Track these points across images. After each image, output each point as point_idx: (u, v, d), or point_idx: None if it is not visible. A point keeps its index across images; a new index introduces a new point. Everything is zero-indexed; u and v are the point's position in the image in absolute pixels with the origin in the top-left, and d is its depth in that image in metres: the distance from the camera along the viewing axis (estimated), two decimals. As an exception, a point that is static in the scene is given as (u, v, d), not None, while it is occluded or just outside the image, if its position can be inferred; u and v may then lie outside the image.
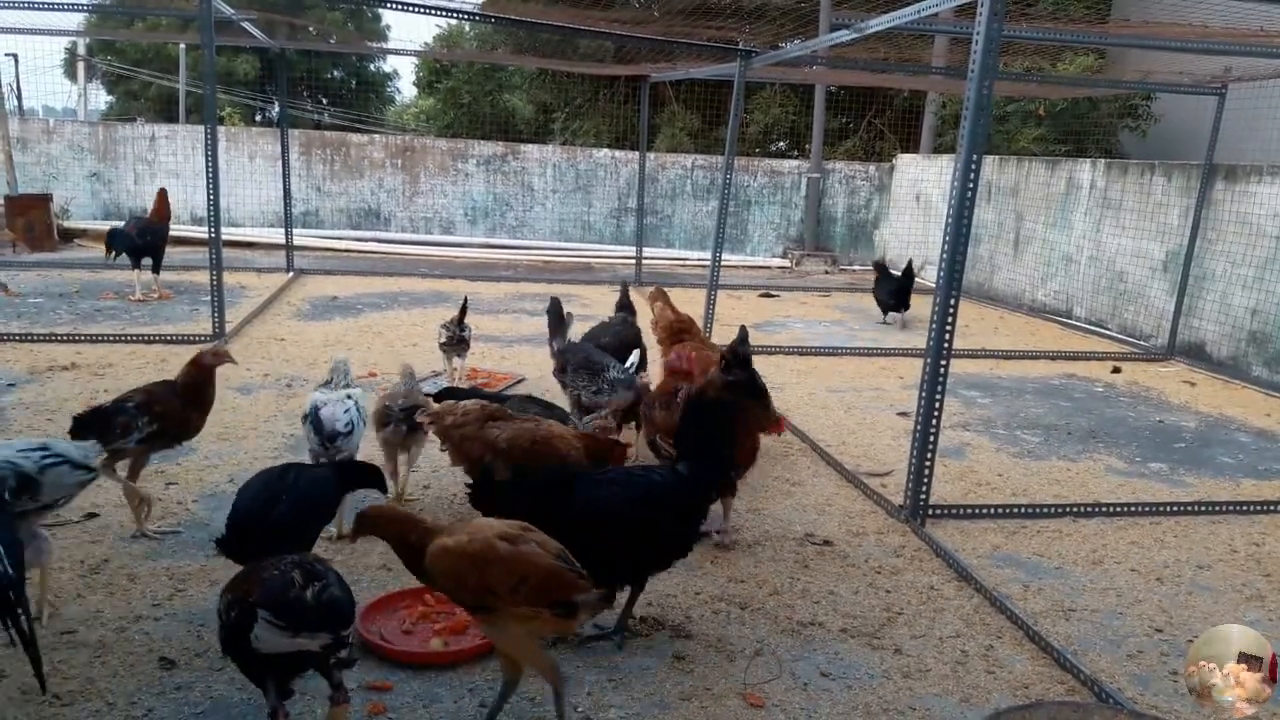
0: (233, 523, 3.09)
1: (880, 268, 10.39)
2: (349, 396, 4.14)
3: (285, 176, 11.07)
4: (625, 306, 6.55)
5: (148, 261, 8.98)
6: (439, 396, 4.48)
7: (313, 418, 4.00)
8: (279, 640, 2.41)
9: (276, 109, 15.19)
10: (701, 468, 3.38)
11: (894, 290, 9.94)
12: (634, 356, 5.36)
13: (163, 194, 9.31)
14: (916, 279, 10.12)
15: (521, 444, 3.85)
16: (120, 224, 9.33)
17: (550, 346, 5.56)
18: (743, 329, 5.37)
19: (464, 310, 6.49)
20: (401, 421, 4.24)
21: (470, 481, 3.84)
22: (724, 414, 3.48)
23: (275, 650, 2.43)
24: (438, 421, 4.01)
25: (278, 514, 3.08)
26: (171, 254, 12.22)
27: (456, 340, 6.44)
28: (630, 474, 3.48)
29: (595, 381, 4.83)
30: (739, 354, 4.26)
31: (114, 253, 8.82)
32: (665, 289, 6.68)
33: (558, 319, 5.59)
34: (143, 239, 8.88)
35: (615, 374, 4.87)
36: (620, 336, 5.87)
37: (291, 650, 2.44)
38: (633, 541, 3.19)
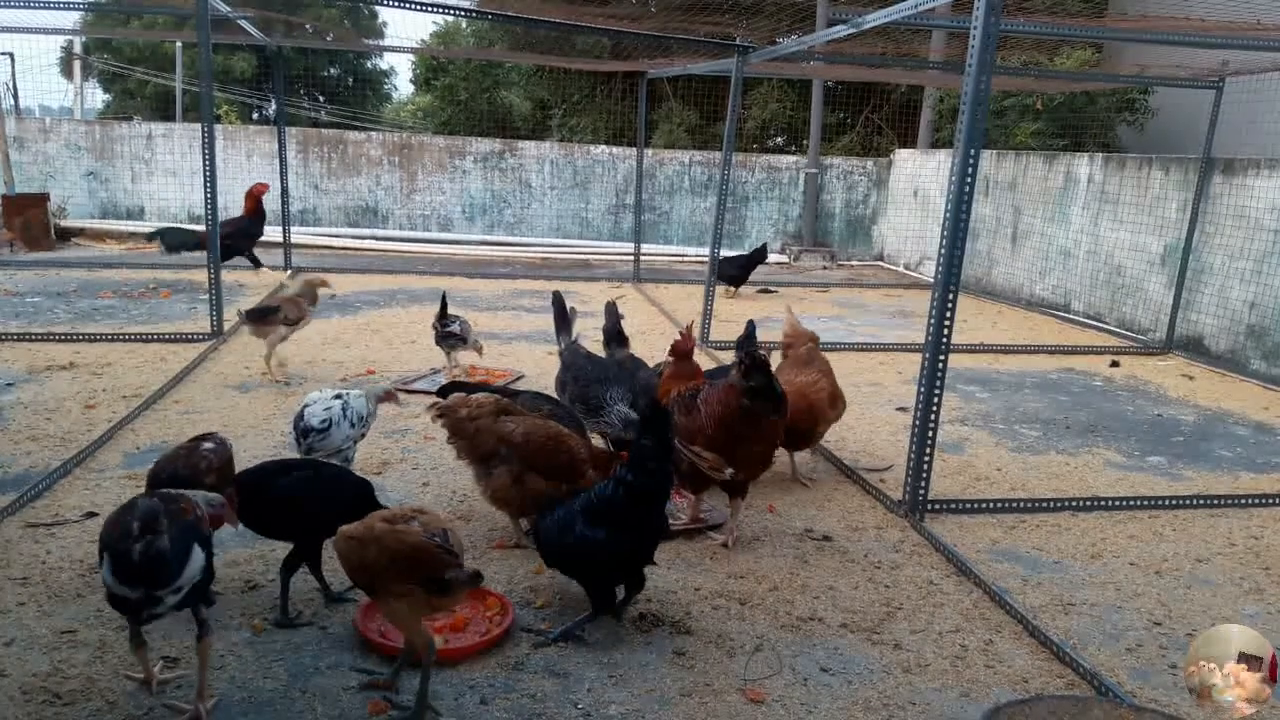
0: (239, 478, 3.31)
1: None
2: (338, 396, 4.17)
3: (283, 174, 11.06)
4: (616, 334, 5.39)
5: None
6: (441, 392, 4.46)
7: (298, 414, 4.13)
8: (114, 584, 2.59)
9: (273, 107, 15.18)
10: (636, 475, 3.30)
11: (743, 264, 11.07)
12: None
13: (251, 191, 9.76)
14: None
15: (537, 439, 3.84)
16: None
17: (558, 344, 5.40)
18: (750, 323, 5.37)
19: (443, 305, 6.52)
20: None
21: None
22: (665, 423, 3.40)
23: (115, 592, 2.61)
24: (451, 414, 3.97)
25: (283, 484, 3.31)
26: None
27: (443, 336, 6.47)
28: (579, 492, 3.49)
29: (591, 416, 4.60)
30: (757, 359, 3.96)
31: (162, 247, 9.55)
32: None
33: (562, 314, 5.38)
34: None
35: (620, 411, 4.51)
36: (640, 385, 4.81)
37: (125, 596, 2.61)
38: (587, 555, 3.31)
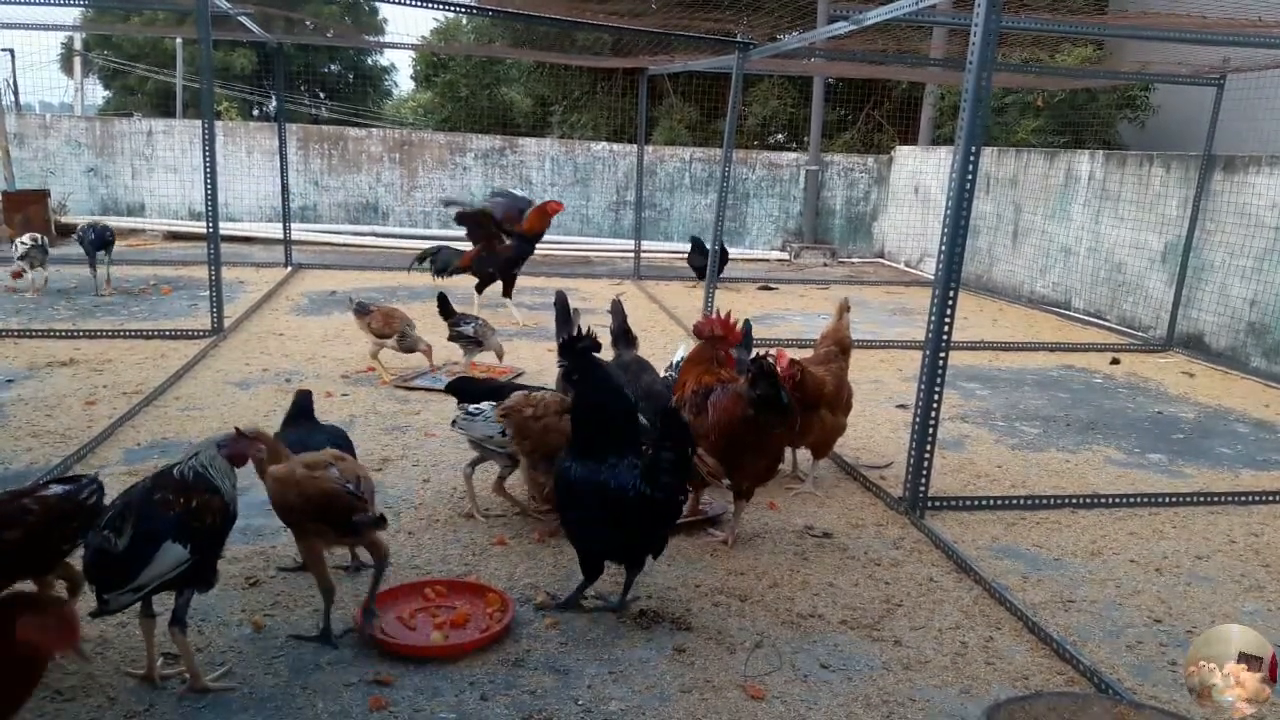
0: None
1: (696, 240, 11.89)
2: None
3: (283, 171, 11.05)
4: (624, 335, 5.20)
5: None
6: (451, 388, 4.47)
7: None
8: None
9: (274, 103, 15.17)
10: (650, 485, 3.32)
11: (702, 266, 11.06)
12: (680, 350, 5.23)
13: (545, 209, 8.79)
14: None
15: None
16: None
17: (557, 344, 5.39)
18: (746, 323, 5.36)
19: (443, 304, 6.58)
20: None
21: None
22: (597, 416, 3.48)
23: None
24: (516, 414, 3.99)
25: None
26: (168, 249, 12.27)
27: (453, 337, 6.51)
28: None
29: None
30: (764, 367, 3.90)
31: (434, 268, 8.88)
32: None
33: (564, 315, 5.31)
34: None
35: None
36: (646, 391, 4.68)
37: None
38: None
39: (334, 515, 3.04)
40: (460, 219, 8.81)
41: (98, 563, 2.69)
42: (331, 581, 3.20)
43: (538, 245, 8.99)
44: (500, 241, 8.70)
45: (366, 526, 3.07)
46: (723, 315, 4.39)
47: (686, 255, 11.95)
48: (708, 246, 11.97)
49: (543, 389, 4.36)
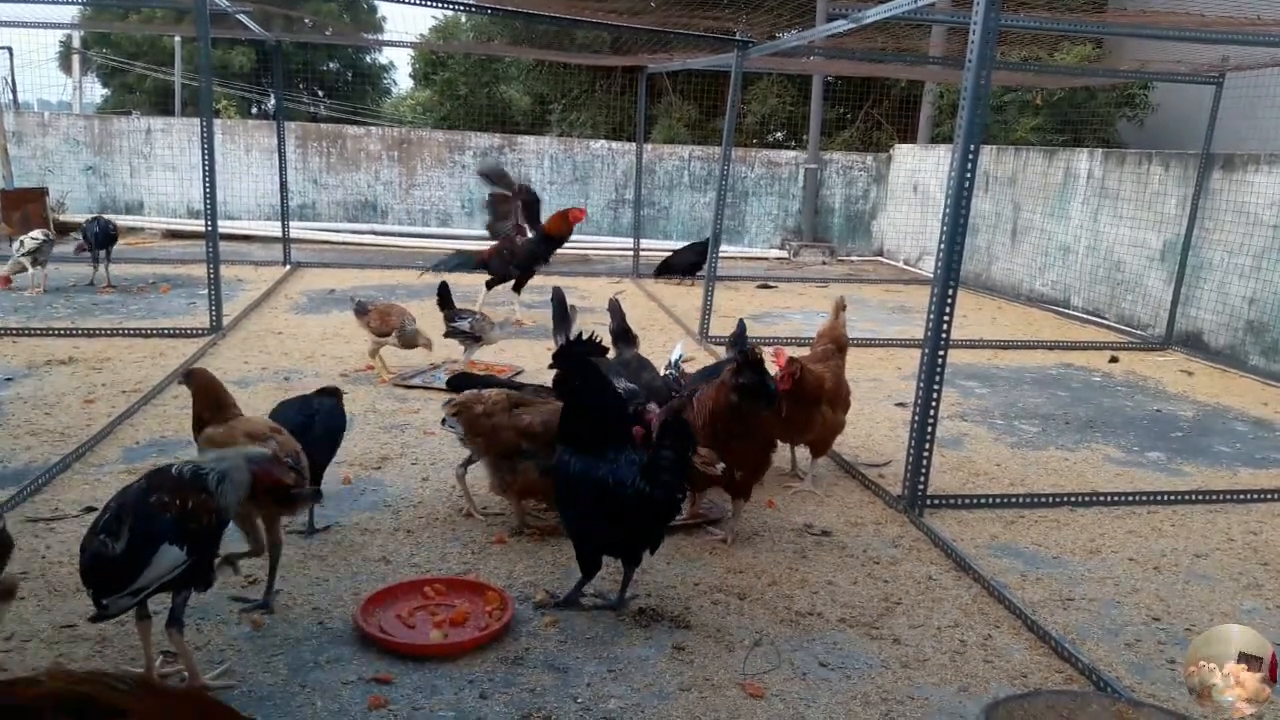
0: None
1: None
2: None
3: (282, 169, 11.04)
4: (624, 334, 5.20)
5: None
6: (451, 383, 4.45)
7: None
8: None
9: (272, 101, 15.17)
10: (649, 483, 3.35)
11: (700, 251, 10.85)
12: (678, 349, 5.23)
13: (569, 215, 8.87)
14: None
15: (557, 425, 3.85)
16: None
17: (555, 342, 5.31)
18: (740, 323, 5.36)
19: (443, 296, 6.57)
20: None
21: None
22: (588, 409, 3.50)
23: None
24: (467, 411, 3.97)
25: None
26: (167, 248, 12.26)
27: (449, 332, 6.51)
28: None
29: None
30: (750, 357, 3.95)
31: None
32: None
33: (561, 312, 5.32)
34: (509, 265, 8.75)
35: (624, 387, 4.41)
36: (648, 388, 4.71)
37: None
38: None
39: (271, 488, 3.13)
40: (485, 174, 9.17)
41: (95, 566, 2.65)
42: (269, 539, 3.28)
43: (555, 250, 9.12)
44: (522, 234, 8.87)
45: (304, 499, 3.24)
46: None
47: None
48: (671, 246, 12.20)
49: (542, 387, 4.36)
